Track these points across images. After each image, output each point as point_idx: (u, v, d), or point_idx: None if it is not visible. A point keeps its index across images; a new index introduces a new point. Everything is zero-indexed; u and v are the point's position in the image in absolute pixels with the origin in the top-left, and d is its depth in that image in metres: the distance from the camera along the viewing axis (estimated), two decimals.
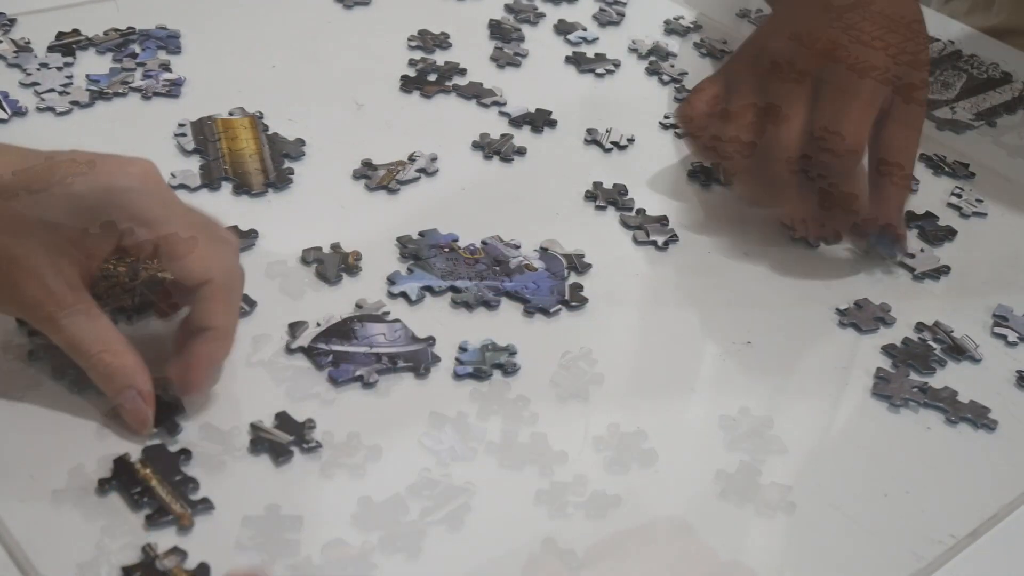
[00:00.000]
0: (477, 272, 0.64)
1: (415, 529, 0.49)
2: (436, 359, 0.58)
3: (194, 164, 0.69)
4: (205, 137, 0.72)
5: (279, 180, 0.69)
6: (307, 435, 0.52)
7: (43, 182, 0.49)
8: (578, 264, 0.66)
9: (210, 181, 0.68)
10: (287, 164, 0.71)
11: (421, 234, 0.66)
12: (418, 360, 0.58)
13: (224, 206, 0.67)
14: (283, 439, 0.52)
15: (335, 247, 0.65)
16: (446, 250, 0.65)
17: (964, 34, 1.03)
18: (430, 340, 0.59)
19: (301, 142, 0.73)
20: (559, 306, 0.63)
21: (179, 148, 0.71)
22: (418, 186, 0.71)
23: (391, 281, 0.63)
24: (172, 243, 0.51)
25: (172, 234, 0.51)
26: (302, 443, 0.52)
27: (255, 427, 0.52)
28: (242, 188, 0.68)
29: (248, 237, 0.64)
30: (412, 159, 0.73)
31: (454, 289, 0.63)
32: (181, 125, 0.73)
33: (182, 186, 0.67)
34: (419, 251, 0.65)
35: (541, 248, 0.67)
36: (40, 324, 0.51)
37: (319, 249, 0.64)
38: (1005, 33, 1.06)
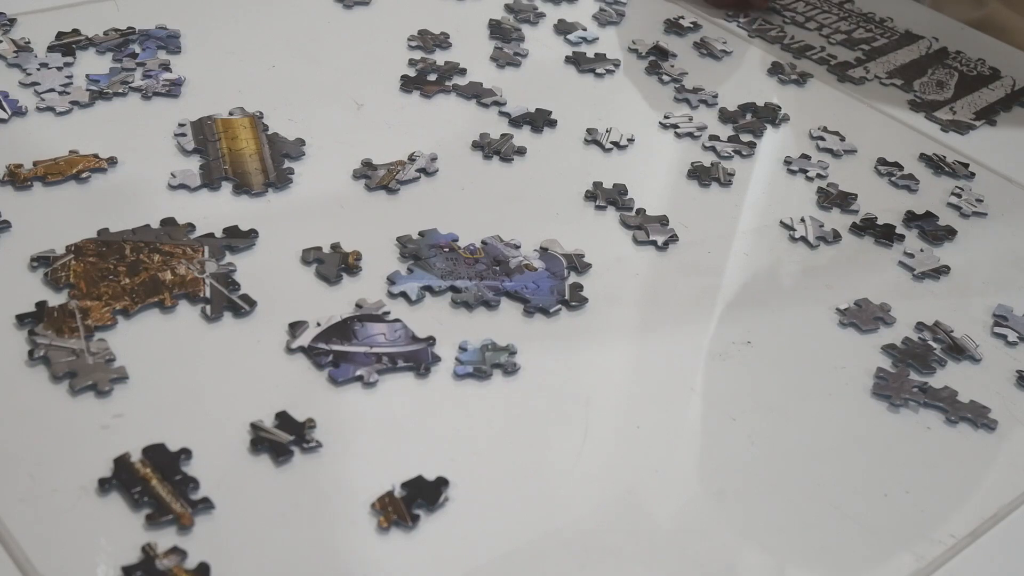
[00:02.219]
0: (477, 272, 0.64)
1: (412, 529, 0.49)
2: (436, 359, 0.58)
3: (194, 164, 0.69)
4: (205, 137, 0.72)
5: (279, 180, 0.69)
6: (307, 435, 0.52)
7: None
8: (578, 264, 0.66)
9: (210, 181, 0.68)
10: (287, 164, 0.71)
11: (421, 234, 0.66)
12: (418, 360, 0.58)
13: (224, 206, 0.67)
14: (283, 439, 0.52)
15: (335, 247, 0.65)
16: (446, 250, 0.65)
17: (946, 30, 1.03)
18: (430, 340, 0.59)
19: (301, 142, 0.73)
20: (559, 306, 0.63)
21: (179, 148, 0.71)
22: (418, 186, 0.71)
23: (391, 281, 0.63)
24: None
25: None
26: (302, 443, 0.52)
27: (255, 427, 0.52)
28: (242, 188, 0.68)
29: (248, 237, 0.64)
30: (412, 159, 0.73)
31: (454, 289, 0.63)
32: (181, 125, 0.73)
33: (182, 186, 0.67)
34: (419, 251, 0.65)
35: (541, 248, 0.67)
36: None
37: (319, 249, 0.64)
38: (994, 25, 1.06)
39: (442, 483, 0.51)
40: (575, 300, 0.64)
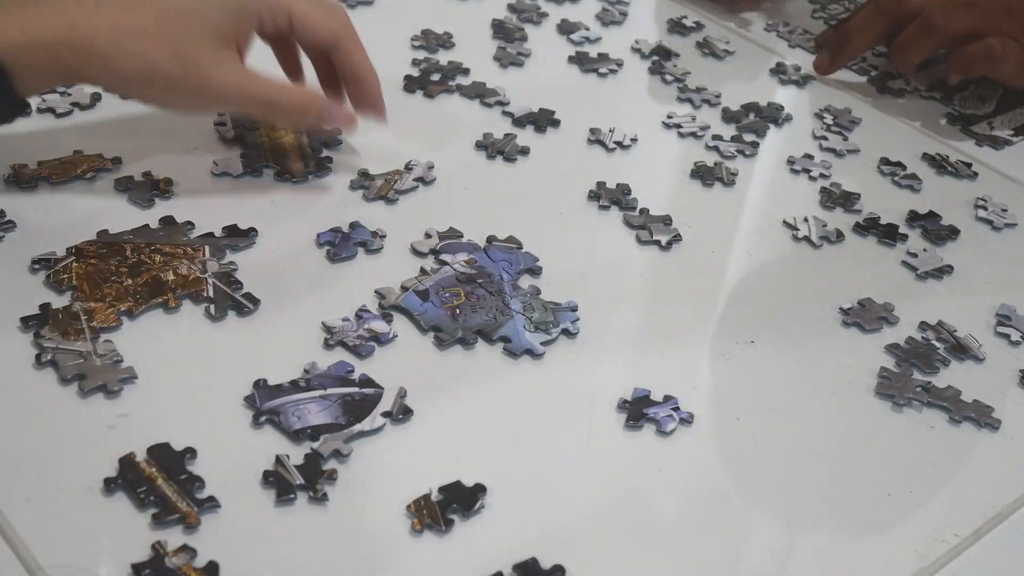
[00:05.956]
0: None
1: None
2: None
3: (235, 152, 0.71)
4: (244, 126, 0.73)
5: (319, 169, 0.71)
6: (320, 485, 0.50)
7: None
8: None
9: (252, 169, 0.69)
10: (326, 153, 0.72)
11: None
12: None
13: (225, 205, 0.67)
14: (295, 480, 0.50)
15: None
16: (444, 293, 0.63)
17: None
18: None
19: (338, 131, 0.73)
20: (543, 348, 0.63)
21: (219, 136, 0.72)
22: (416, 195, 0.71)
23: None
24: (304, 17, 0.64)
25: (302, 9, 0.65)
26: (311, 490, 0.50)
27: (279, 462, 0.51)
28: (283, 175, 0.69)
29: (248, 236, 0.64)
30: (409, 168, 0.72)
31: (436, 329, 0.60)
32: (221, 115, 0.73)
33: (225, 173, 0.69)
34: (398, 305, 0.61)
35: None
36: (241, 98, 0.64)
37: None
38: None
39: (479, 490, 0.51)
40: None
